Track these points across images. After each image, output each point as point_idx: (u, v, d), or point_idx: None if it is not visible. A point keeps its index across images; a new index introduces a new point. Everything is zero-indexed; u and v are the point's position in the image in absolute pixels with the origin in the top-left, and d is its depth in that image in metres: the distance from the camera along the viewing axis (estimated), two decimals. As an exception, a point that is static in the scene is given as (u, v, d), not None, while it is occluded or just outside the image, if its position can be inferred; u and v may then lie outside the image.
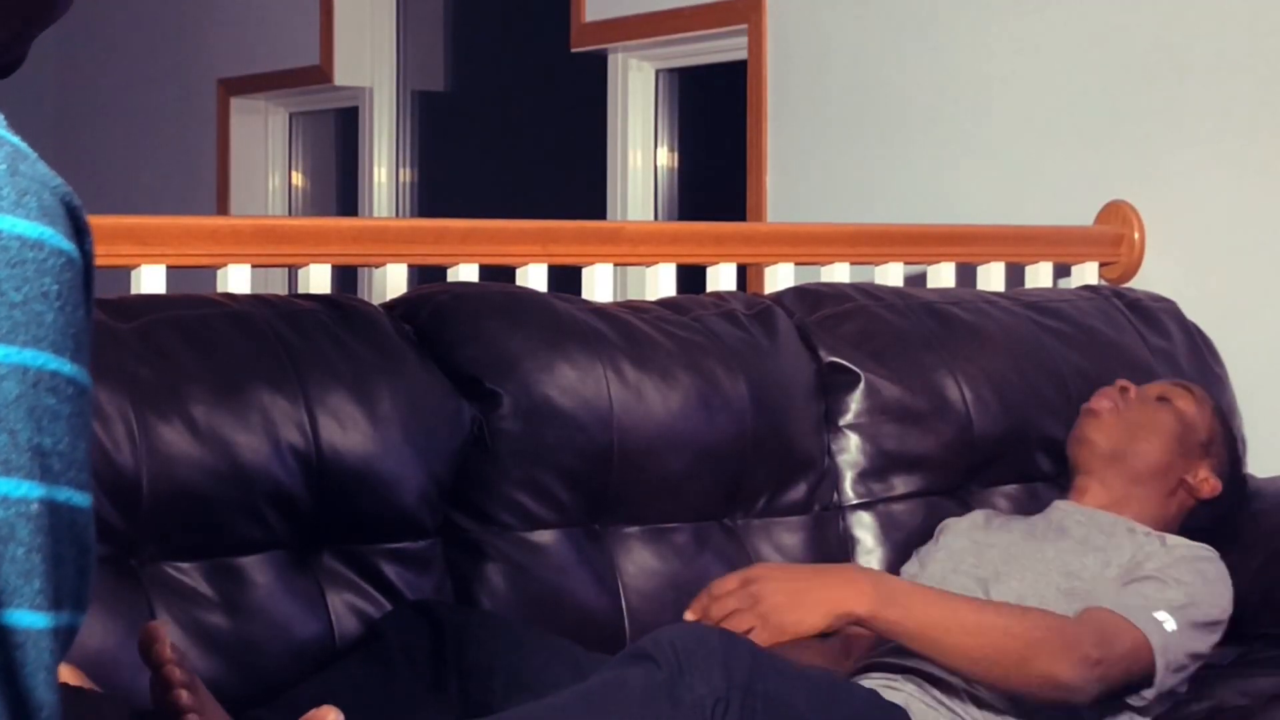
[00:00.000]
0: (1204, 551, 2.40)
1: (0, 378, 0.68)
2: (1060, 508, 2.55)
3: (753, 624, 2.07)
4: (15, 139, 0.73)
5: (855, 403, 2.72)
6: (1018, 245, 3.34)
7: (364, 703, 2.02)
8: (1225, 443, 2.64)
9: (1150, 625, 2.21)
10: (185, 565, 2.15)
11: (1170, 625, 2.22)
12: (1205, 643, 2.31)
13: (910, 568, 2.56)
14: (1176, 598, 2.27)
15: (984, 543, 2.49)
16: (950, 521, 2.61)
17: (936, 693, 2.22)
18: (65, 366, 0.71)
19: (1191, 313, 3.16)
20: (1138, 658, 2.20)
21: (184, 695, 1.63)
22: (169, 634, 1.68)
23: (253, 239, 2.57)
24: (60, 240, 0.71)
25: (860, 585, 2.11)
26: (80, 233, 0.73)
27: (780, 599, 2.08)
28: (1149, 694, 2.24)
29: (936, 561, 2.48)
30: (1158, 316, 3.10)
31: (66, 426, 0.71)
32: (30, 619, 0.69)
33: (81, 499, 0.72)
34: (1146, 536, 2.43)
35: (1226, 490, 2.61)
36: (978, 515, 2.61)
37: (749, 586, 2.10)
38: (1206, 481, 2.58)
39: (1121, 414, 2.56)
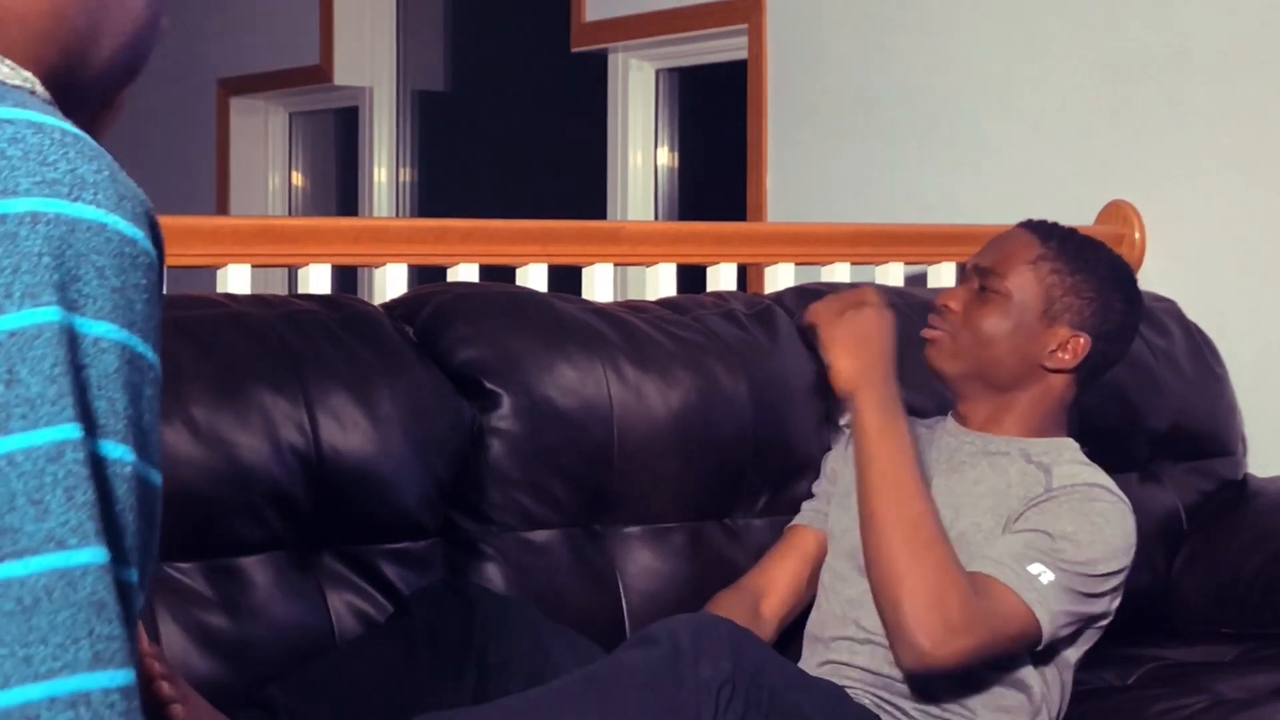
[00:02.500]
0: (1092, 493, 2.22)
1: (103, 350, 0.72)
2: (952, 433, 2.40)
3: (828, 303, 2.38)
4: (109, 157, 0.77)
5: (855, 403, 2.71)
6: (1018, 245, 3.33)
7: (376, 683, 2.02)
8: (1068, 286, 2.32)
9: (1024, 583, 2.12)
10: (185, 565, 2.14)
11: (1047, 577, 2.12)
12: (1097, 590, 2.18)
13: (822, 485, 2.49)
14: (1057, 549, 2.15)
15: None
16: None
17: (884, 694, 2.21)
18: (149, 353, 0.76)
19: (1191, 313, 3.16)
20: (1016, 624, 2.13)
21: (165, 687, 1.67)
22: (161, 633, 1.70)
23: (253, 239, 2.56)
24: (148, 244, 0.76)
25: (878, 388, 2.26)
26: (157, 242, 0.78)
27: (850, 316, 2.32)
28: (1038, 646, 2.19)
29: (838, 508, 2.40)
30: (1158, 316, 3.10)
31: (148, 407, 0.75)
32: (130, 574, 0.71)
33: (158, 478, 0.76)
34: (1035, 468, 2.28)
35: (1103, 330, 2.32)
36: None
37: (859, 297, 2.36)
38: (1071, 344, 2.30)
39: (955, 335, 2.34)
